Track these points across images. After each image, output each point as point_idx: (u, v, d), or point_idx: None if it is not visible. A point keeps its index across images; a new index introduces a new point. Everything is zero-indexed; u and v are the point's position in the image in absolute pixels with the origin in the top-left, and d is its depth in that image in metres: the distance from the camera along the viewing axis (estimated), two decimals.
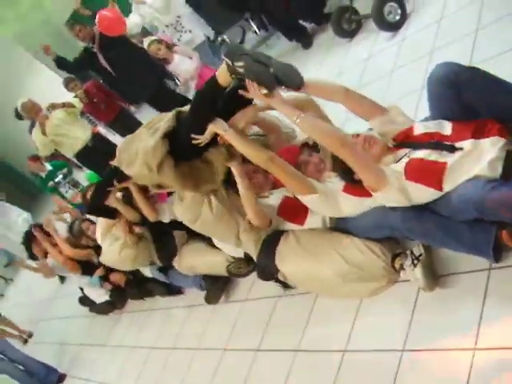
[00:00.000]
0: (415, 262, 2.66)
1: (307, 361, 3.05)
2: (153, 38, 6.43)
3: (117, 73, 6.73)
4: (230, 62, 2.63)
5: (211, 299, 4.25)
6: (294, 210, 3.14)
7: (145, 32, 7.90)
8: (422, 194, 2.45)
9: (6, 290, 11.97)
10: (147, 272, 4.93)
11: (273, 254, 3.17)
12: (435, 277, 2.65)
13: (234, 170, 3.09)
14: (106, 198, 4.06)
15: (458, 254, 2.57)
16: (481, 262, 2.45)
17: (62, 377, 5.92)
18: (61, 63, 7.17)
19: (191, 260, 4.22)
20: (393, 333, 2.65)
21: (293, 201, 3.08)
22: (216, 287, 4.23)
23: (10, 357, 6.05)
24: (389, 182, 2.48)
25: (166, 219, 4.13)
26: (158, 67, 6.57)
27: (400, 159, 2.57)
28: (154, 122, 3.21)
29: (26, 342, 7.72)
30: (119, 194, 4.15)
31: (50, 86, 10.56)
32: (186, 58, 6.33)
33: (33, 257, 6.21)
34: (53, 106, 6.99)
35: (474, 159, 2.32)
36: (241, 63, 2.60)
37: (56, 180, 8.65)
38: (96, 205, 4.24)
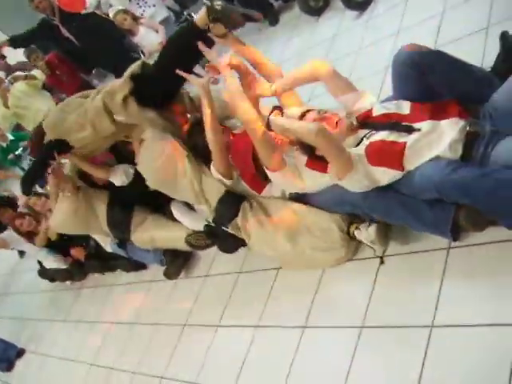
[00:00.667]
0: (371, 223, 2.72)
1: (268, 336, 3.07)
2: (119, 7, 6.32)
3: (81, 43, 6.62)
4: (209, 3, 3.02)
5: (171, 275, 4.24)
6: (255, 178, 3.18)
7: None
8: (385, 175, 2.47)
9: None
10: (108, 247, 4.87)
11: (237, 208, 3.24)
12: (387, 238, 2.72)
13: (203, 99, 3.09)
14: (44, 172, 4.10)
15: (419, 233, 2.61)
16: (440, 241, 2.49)
17: (21, 352, 5.84)
18: (15, 42, 6.98)
19: (151, 233, 4.17)
20: (352, 309, 2.68)
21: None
22: (176, 263, 4.22)
23: None
24: (354, 168, 2.49)
25: (117, 181, 4.10)
26: (124, 38, 6.49)
27: (360, 141, 2.58)
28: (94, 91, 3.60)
29: None
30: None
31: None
32: (152, 30, 6.25)
33: None
34: (15, 78, 6.86)
35: (435, 140, 2.34)
36: (219, 2, 3.02)
37: (17, 153, 8.50)
38: (33, 181, 4.27)
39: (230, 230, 3.39)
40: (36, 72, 7.05)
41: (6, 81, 6.88)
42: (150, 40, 6.26)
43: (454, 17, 3.75)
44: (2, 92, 6.89)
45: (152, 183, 3.61)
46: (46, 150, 3.88)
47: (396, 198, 2.51)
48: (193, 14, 8.11)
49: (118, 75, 4.50)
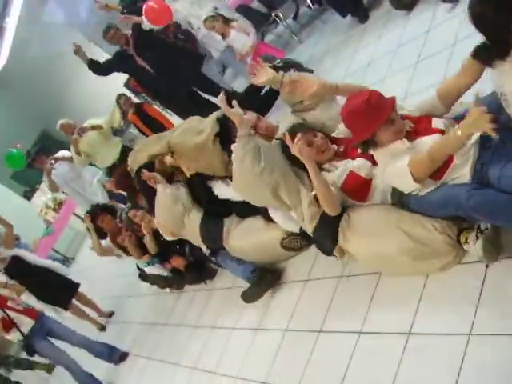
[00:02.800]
0: (479, 235, 2.60)
1: (370, 343, 3.01)
2: (209, 14, 6.46)
3: (157, 72, 7.07)
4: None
5: (249, 297, 4.19)
6: (358, 186, 3.12)
7: None
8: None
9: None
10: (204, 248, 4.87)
11: (335, 232, 3.18)
12: (497, 250, 2.59)
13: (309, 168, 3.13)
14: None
15: None
16: None
17: (124, 355, 6.02)
18: (92, 65, 7.39)
19: (242, 242, 4.20)
20: (459, 315, 2.60)
21: (357, 176, 3.08)
22: (261, 285, 4.13)
23: (70, 341, 6.03)
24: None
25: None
26: (201, 62, 7.10)
27: None
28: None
29: (103, 329, 7.25)
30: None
31: None
32: (243, 33, 6.31)
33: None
34: (82, 130, 7.50)
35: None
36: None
37: None
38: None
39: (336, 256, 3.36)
40: (102, 120, 7.70)
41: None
42: (241, 42, 6.34)
43: None
44: (73, 143, 7.56)
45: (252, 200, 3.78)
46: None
47: (502, 196, 2.41)
48: (280, 15, 8.17)
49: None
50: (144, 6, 6.34)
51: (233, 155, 3.53)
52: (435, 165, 2.59)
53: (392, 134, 2.76)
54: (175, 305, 5.79)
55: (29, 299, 6.61)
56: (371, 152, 2.92)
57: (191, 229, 4.51)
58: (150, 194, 4.71)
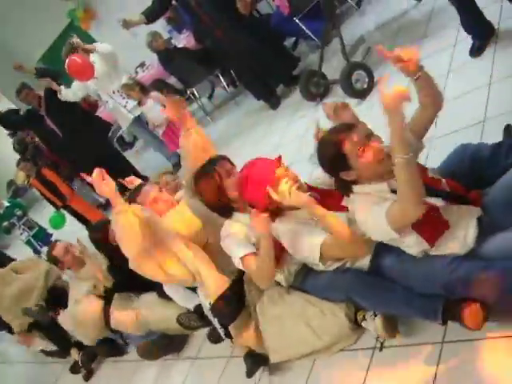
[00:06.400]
0: (376, 312, 2.66)
1: None
2: (129, 78, 6.76)
3: (64, 135, 7.17)
4: None
5: (145, 353, 4.15)
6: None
7: None
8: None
9: None
10: None
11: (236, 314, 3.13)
12: (395, 327, 2.64)
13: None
14: None
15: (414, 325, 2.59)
16: (434, 335, 2.47)
17: None
18: (1, 121, 7.47)
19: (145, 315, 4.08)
20: None
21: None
22: (160, 347, 4.10)
23: None
24: None
25: None
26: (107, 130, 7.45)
27: None
28: None
29: None
30: None
31: None
32: (159, 105, 6.42)
33: None
34: None
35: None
36: None
37: (11, 220, 8.56)
38: None
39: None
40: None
41: None
42: (156, 113, 6.43)
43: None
44: None
45: None
46: None
47: (383, 283, 2.54)
48: (196, 93, 8.37)
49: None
50: (67, 61, 6.41)
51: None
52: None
53: None
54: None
55: None
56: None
57: None
58: None
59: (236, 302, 3.15)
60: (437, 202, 2.31)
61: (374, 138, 2.33)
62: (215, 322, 3.26)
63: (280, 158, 2.74)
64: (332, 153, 2.36)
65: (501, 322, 2.25)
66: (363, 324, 2.75)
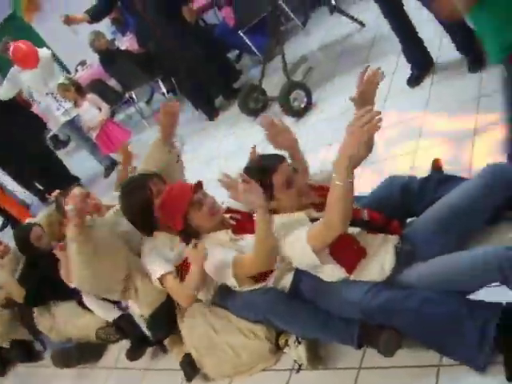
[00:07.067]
0: (300, 339, 2.65)
1: None
2: (65, 78, 6.61)
3: None
4: None
5: (58, 361, 3.98)
6: None
7: None
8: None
9: None
10: None
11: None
12: (318, 356, 2.64)
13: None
14: None
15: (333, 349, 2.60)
16: (351, 360, 2.48)
17: None
18: None
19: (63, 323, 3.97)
20: None
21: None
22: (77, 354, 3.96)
23: None
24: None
25: None
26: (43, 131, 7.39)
27: None
28: None
29: None
30: None
31: None
32: (95, 107, 6.28)
33: None
34: None
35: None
36: None
37: None
38: None
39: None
40: None
41: None
42: (91, 115, 6.30)
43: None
44: None
45: None
46: None
47: (302, 305, 2.53)
48: (134, 97, 8.26)
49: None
50: (11, 47, 6.40)
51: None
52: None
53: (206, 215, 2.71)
54: None
55: None
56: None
57: None
58: None
59: (169, 316, 3.11)
60: (354, 230, 2.36)
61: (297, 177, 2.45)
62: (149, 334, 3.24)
63: (200, 183, 2.76)
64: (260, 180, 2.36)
65: (413, 350, 2.29)
66: (285, 350, 2.74)
